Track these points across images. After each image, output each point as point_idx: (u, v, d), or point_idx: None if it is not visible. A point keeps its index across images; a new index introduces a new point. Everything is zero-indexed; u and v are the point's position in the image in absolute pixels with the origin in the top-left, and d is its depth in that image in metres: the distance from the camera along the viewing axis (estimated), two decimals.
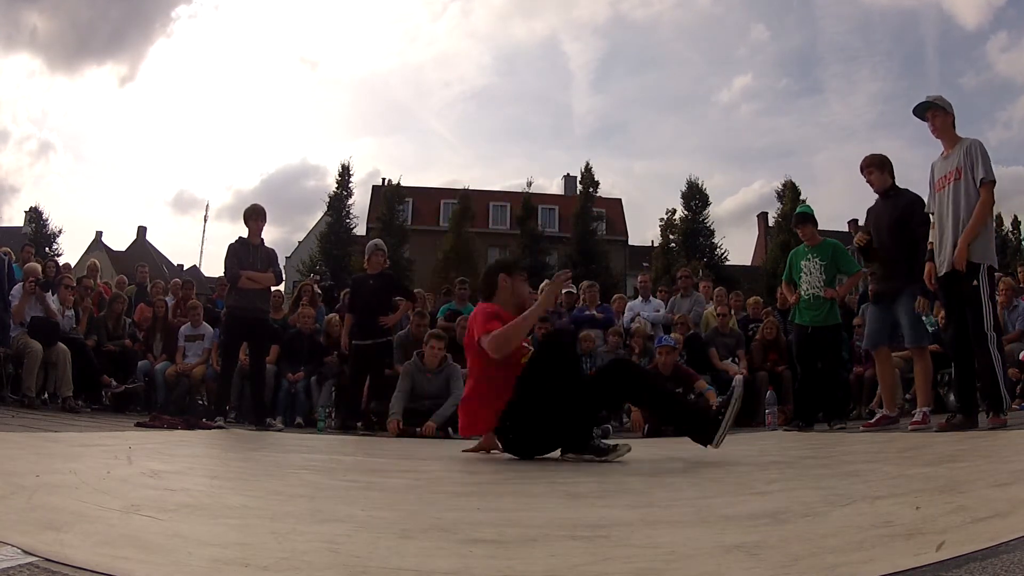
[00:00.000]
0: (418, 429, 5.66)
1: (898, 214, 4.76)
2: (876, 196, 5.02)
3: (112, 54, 78.98)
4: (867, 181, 4.96)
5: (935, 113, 4.22)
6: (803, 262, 5.49)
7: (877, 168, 4.91)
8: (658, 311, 8.35)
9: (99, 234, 37.09)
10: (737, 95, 62.02)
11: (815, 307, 5.37)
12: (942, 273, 4.15)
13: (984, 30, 57.55)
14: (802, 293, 5.46)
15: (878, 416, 5.02)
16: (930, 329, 4.89)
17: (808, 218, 5.64)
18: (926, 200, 4.42)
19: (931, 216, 4.35)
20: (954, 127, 4.26)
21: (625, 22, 59.76)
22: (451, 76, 64.27)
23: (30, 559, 1.11)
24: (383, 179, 34.09)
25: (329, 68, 65.62)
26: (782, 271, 6.09)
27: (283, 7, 67.48)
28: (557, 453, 3.20)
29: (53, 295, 7.03)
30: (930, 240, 4.34)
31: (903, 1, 56.19)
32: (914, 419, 4.58)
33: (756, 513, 1.57)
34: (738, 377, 4.30)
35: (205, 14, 67.44)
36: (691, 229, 30.26)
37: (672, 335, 7.29)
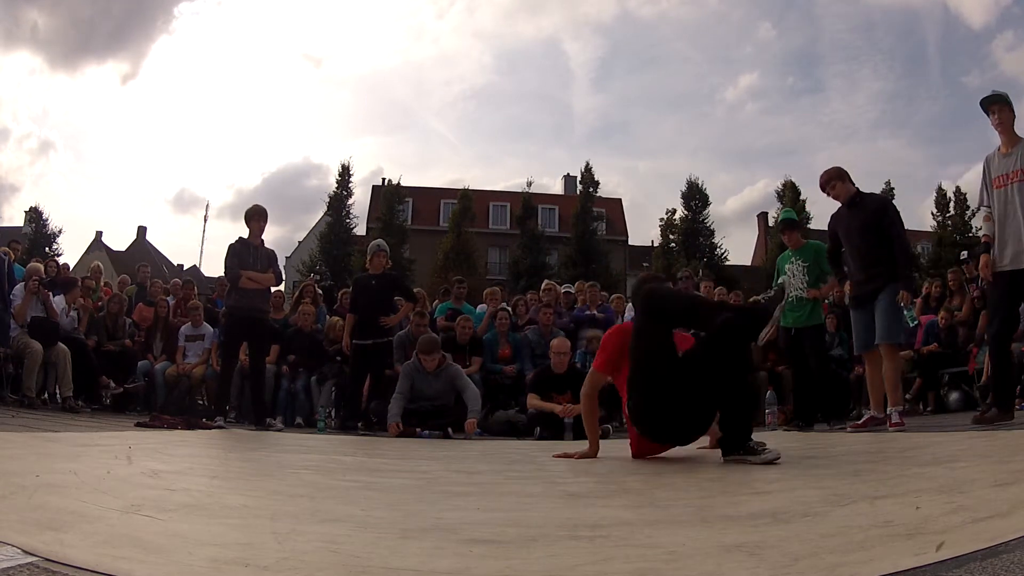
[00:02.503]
0: (449, 429, 5.65)
1: (867, 218, 4.79)
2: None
3: (113, 52, 78.58)
4: (832, 197, 4.99)
5: (1001, 107, 4.27)
6: (787, 265, 5.64)
7: (838, 180, 4.94)
8: None
9: (99, 234, 37.08)
10: (743, 93, 61.92)
11: (797, 308, 5.44)
12: (1006, 269, 4.16)
13: (990, 28, 57.51)
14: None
15: (865, 417, 5.02)
16: (911, 324, 4.88)
17: (792, 223, 5.92)
18: (981, 195, 4.42)
19: (984, 209, 4.35)
20: (1013, 126, 4.28)
21: (631, 19, 59.63)
22: (451, 75, 64.22)
23: (30, 559, 1.11)
24: (383, 179, 34.12)
25: (333, 65, 65.28)
26: None
27: (286, 3, 67.29)
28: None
29: (55, 296, 7.01)
30: (984, 233, 4.37)
31: (907, 0, 56.16)
32: (892, 421, 4.59)
33: (756, 513, 1.57)
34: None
35: (207, 11, 67.41)
36: (691, 229, 30.27)
37: None
